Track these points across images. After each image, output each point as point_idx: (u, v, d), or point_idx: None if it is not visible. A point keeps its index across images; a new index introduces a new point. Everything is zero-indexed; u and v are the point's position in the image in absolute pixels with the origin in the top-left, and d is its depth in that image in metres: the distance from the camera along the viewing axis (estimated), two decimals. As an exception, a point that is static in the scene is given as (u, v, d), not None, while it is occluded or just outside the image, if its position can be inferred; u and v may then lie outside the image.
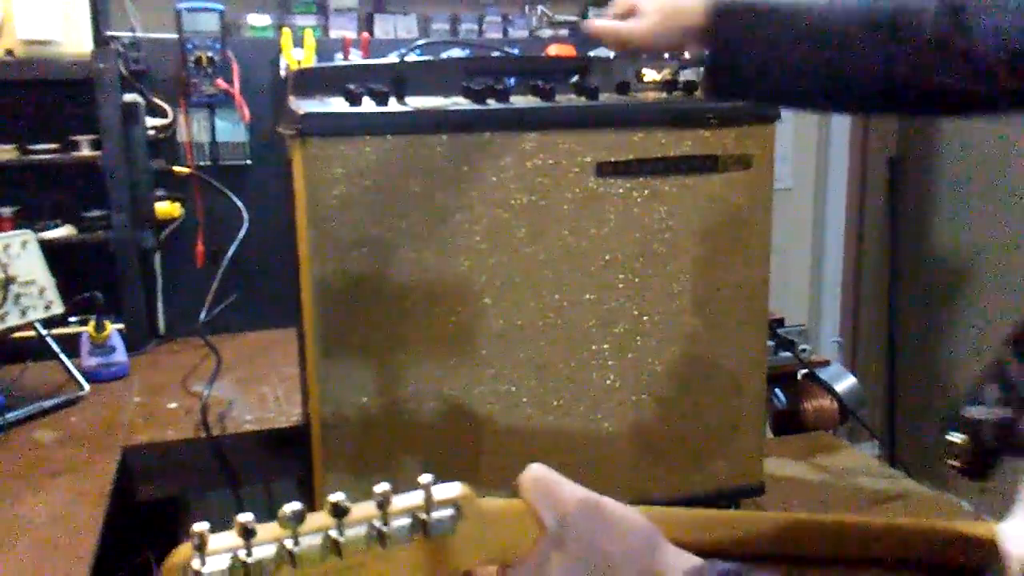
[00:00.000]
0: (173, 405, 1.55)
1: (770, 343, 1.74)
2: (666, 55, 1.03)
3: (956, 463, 0.64)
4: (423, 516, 0.56)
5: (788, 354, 1.78)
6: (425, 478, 0.56)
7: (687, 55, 1.00)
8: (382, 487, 0.55)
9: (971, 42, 0.78)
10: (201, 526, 0.51)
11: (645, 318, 1.21)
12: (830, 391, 1.77)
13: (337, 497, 0.53)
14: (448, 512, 0.57)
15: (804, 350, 1.79)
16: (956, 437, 0.63)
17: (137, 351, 1.80)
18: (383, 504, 0.55)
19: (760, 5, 0.90)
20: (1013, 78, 0.77)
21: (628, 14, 0.99)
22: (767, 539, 0.70)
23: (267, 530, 0.53)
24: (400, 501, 0.56)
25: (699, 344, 1.24)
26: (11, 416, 1.45)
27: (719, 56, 0.93)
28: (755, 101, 0.98)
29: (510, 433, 1.17)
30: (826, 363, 1.84)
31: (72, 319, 1.74)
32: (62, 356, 1.59)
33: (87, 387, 1.58)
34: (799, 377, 1.82)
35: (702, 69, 0.96)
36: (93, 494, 1.21)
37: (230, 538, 0.52)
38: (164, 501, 1.60)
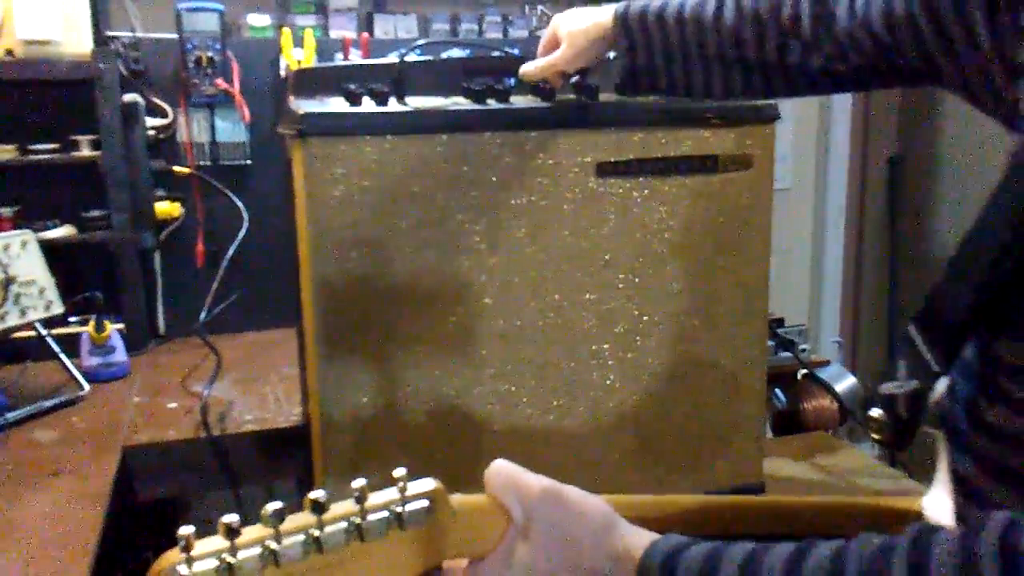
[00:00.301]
0: (173, 405, 1.55)
1: (770, 343, 1.74)
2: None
3: (877, 436, 0.67)
4: (398, 509, 0.58)
5: (788, 354, 1.78)
6: (399, 472, 0.59)
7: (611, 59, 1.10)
8: (359, 483, 0.57)
9: (835, 23, 0.87)
10: (187, 530, 0.52)
11: (645, 318, 1.21)
12: (830, 391, 1.76)
13: (317, 495, 0.56)
14: (421, 504, 0.60)
15: (804, 350, 1.79)
16: (875, 412, 0.67)
17: (137, 351, 1.80)
18: (360, 499, 0.57)
19: (661, 13, 1.01)
20: (868, 55, 0.84)
21: (553, 46, 1.11)
22: (714, 519, 0.74)
23: (251, 531, 0.54)
24: (376, 497, 0.58)
25: (699, 344, 1.24)
26: (11, 416, 1.45)
27: (631, 61, 1.04)
28: (664, 95, 1.10)
29: (510, 433, 1.17)
30: (826, 363, 1.84)
31: (72, 319, 1.74)
32: (62, 356, 1.59)
33: (87, 387, 1.58)
34: (799, 377, 1.81)
35: (616, 72, 1.07)
36: (93, 494, 1.21)
37: (215, 541, 0.54)
38: (164, 501, 1.60)
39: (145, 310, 1.88)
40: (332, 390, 1.11)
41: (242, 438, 1.44)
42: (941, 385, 0.66)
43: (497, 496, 0.64)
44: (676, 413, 1.25)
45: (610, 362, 1.21)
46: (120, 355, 1.69)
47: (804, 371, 1.81)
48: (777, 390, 1.81)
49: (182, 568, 0.52)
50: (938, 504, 0.71)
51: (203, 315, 1.84)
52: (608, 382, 1.21)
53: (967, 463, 0.64)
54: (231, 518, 0.53)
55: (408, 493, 0.59)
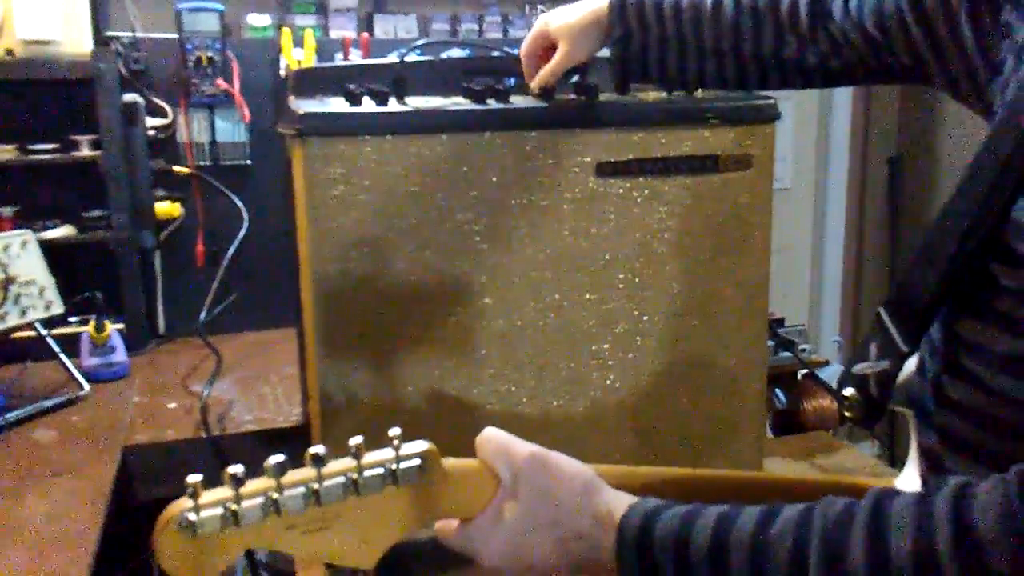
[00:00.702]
0: (173, 405, 1.55)
1: (770, 343, 1.74)
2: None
3: (849, 414, 0.71)
4: (393, 467, 0.62)
5: (788, 354, 1.78)
6: (394, 431, 0.62)
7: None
8: (355, 440, 0.61)
9: (831, 20, 0.88)
10: (195, 478, 0.56)
11: (645, 318, 1.21)
12: (830, 391, 1.76)
13: (317, 449, 0.59)
14: (415, 463, 0.63)
15: (804, 350, 1.79)
16: (848, 391, 0.70)
17: (137, 351, 1.80)
18: (357, 456, 0.61)
19: (659, 2, 1.01)
20: (861, 52, 0.86)
21: (542, 47, 1.10)
22: (698, 491, 0.76)
23: (256, 482, 0.58)
24: (372, 455, 0.62)
25: (699, 344, 1.24)
26: (11, 416, 1.45)
27: (625, 49, 1.03)
28: (657, 84, 1.11)
29: (510, 433, 1.17)
30: (826, 363, 1.84)
31: (72, 319, 1.74)
32: (62, 356, 1.59)
33: (87, 387, 1.58)
34: (799, 377, 1.81)
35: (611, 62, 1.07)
36: (93, 494, 1.21)
37: (222, 491, 0.57)
38: (164, 501, 1.60)
39: (145, 310, 1.88)
40: (332, 390, 1.11)
41: (242, 438, 1.44)
42: (910, 365, 0.69)
43: (487, 460, 0.68)
44: (676, 413, 1.25)
45: (610, 362, 1.21)
46: (120, 355, 1.69)
47: (804, 371, 1.81)
48: (777, 390, 1.81)
49: (190, 514, 0.56)
50: (909, 482, 0.74)
51: (203, 315, 1.84)
52: (608, 382, 1.21)
53: (932, 438, 0.67)
54: (237, 468, 0.56)
55: (402, 452, 0.63)
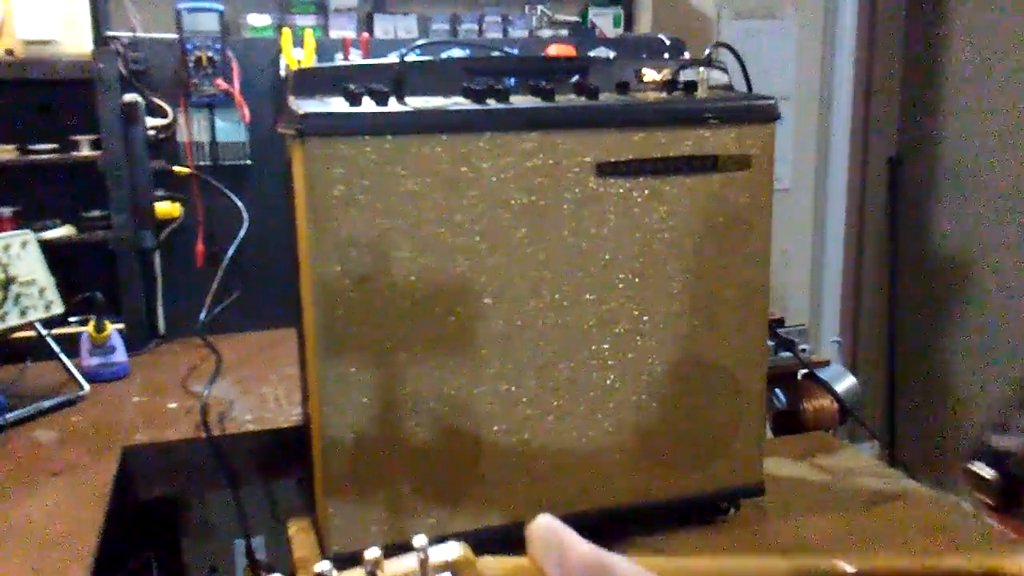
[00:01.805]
0: (173, 405, 1.55)
1: (770, 343, 1.75)
2: (666, 55, 0.99)
3: (985, 498, 0.60)
4: None
5: (788, 354, 1.78)
6: (419, 540, 0.52)
7: None
8: (372, 553, 0.50)
9: None
10: None
11: (645, 318, 1.21)
12: (830, 391, 1.77)
13: (323, 568, 0.50)
14: None
15: (804, 350, 1.80)
16: (985, 471, 0.60)
17: (137, 351, 1.80)
18: (373, 572, 0.50)
19: None
20: None
21: None
22: None
23: None
24: (392, 567, 0.51)
25: (699, 344, 1.24)
26: (11, 416, 1.45)
27: None
28: None
29: (510, 433, 1.17)
30: (826, 363, 1.84)
31: (72, 319, 1.74)
32: (62, 356, 1.59)
33: (87, 387, 1.58)
34: (799, 377, 1.82)
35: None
36: (93, 494, 1.21)
37: None
38: (164, 501, 1.60)
39: (145, 310, 1.88)
40: (332, 390, 1.11)
41: (242, 438, 1.44)
42: None
43: (536, 558, 0.57)
44: (676, 413, 1.25)
45: (610, 362, 1.21)
46: (120, 355, 1.69)
47: (804, 371, 1.81)
48: (777, 390, 1.81)
49: None
50: None
51: (203, 315, 1.84)
52: (608, 382, 1.21)
53: None
54: None
55: (431, 562, 0.52)
